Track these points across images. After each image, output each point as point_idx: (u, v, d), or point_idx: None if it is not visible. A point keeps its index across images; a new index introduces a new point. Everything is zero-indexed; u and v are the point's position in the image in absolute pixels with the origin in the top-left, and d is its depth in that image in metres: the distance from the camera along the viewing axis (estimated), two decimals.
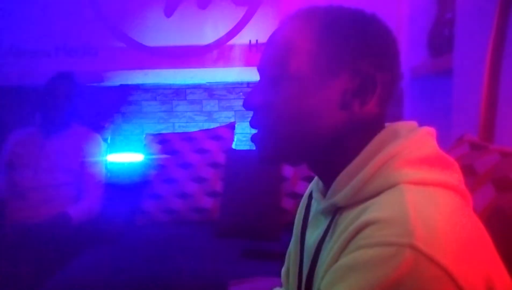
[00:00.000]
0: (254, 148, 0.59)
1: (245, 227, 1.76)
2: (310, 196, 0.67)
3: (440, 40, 1.62)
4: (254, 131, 0.59)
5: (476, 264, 0.42)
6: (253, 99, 0.58)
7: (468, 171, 0.81)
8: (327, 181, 0.57)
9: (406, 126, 0.55)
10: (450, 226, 0.43)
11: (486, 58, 1.13)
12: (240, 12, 2.18)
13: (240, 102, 2.45)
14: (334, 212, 0.54)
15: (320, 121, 0.54)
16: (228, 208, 1.82)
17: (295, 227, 0.72)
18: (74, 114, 1.89)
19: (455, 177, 0.51)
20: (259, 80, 0.59)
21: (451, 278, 0.39)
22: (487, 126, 1.10)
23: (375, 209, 0.46)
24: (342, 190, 0.53)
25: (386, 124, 0.57)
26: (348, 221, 0.49)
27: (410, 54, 1.97)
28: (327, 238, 0.54)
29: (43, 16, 2.23)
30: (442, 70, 1.56)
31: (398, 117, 1.98)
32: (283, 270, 0.76)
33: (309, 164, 0.60)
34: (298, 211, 0.73)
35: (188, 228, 1.86)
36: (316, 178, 0.64)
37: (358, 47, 0.54)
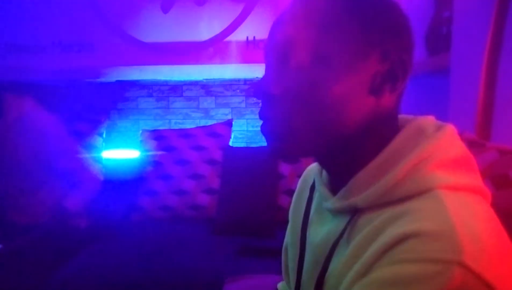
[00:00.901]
0: (266, 141, 0.53)
1: (242, 224, 1.76)
2: (312, 188, 0.62)
3: (437, 39, 1.63)
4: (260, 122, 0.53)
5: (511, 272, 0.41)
6: (269, 85, 0.51)
7: None
8: (341, 177, 0.53)
9: (430, 123, 0.52)
10: (492, 239, 0.41)
11: (483, 56, 1.13)
12: (237, 9, 2.17)
13: (237, 99, 2.45)
14: (352, 212, 0.50)
15: (349, 108, 0.49)
16: (224, 205, 1.82)
17: (292, 220, 0.69)
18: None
19: (479, 178, 0.49)
20: (273, 63, 0.52)
21: None
22: (484, 124, 1.10)
23: (415, 219, 0.42)
24: (364, 191, 0.49)
25: (403, 118, 0.54)
26: (376, 225, 0.46)
27: None
28: (343, 240, 0.50)
29: (40, 12, 2.22)
30: (439, 69, 1.56)
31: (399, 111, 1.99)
32: (283, 266, 0.74)
33: (322, 158, 0.55)
34: (294, 206, 0.69)
35: (184, 225, 1.86)
36: (317, 169, 0.60)
37: (387, 27, 0.49)
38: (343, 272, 0.47)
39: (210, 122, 2.20)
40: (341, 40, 0.48)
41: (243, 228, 1.75)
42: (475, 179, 0.48)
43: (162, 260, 1.50)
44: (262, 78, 0.53)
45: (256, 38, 2.17)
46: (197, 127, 2.13)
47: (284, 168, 1.87)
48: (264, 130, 0.53)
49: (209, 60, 2.22)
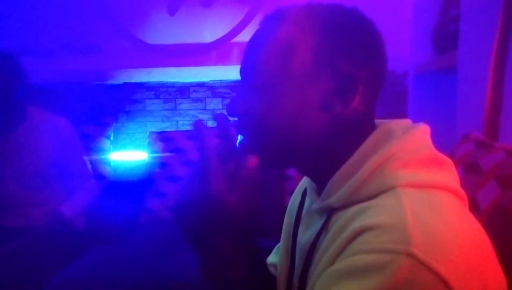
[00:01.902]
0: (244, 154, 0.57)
1: None
2: (304, 193, 0.66)
3: (445, 37, 1.62)
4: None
5: (474, 271, 0.41)
6: (235, 105, 0.57)
7: (474, 169, 0.81)
8: (320, 182, 0.57)
9: (400, 125, 0.54)
10: (449, 232, 0.42)
11: (491, 55, 1.13)
12: (243, 10, 2.18)
13: None
14: (329, 213, 0.53)
15: (303, 125, 0.53)
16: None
17: (285, 223, 0.73)
18: (24, 101, 1.64)
19: (452, 177, 0.51)
20: (241, 85, 0.58)
21: (447, 287, 0.39)
22: (491, 123, 1.09)
23: (372, 214, 0.45)
24: (336, 192, 0.52)
25: (378, 123, 0.56)
26: (342, 222, 0.48)
27: (415, 51, 1.96)
28: (321, 239, 0.53)
29: (47, 15, 2.24)
30: (447, 67, 1.55)
31: (402, 115, 1.98)
32: (269, 258, 0.79)
33: (298, 168, 0.60)
34: (289, 208, 0.73)
35: None
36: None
37: (336, 46, 0.52)
38: (321, 269, 0.49)
39: None
40: (293, 64, 0.52)
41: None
42: (446, 177, 0.49)
43: (169, 261, 1.50)
44: (231, 98, 0.59)
45: None
46: None
47: (291, 169, 1.87)
48: (240, 144, 0.59)
49: (216, 61, 2.22)
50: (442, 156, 0.51)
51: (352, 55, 0.52)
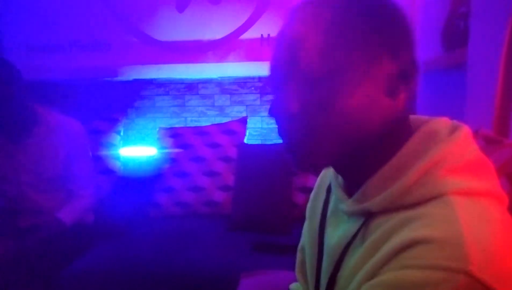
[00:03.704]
0: (292, 157, 0.53)
1: (257, 221, 1.77)
2: (328, 190, 0.62)
3: (454, 34, 1.61)
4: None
5: None
6: (288, 104, 0.50)
7: None
8: (356, 181, 0.53)
9: (444, 126, 0.51)
10: (505, 249, 0.40)
11: (501, 52, 1.12)
12: (251, 7, 2.18)
13: (252, 97, 2.46)
14: (366, 216, 0.50)
15: (369, 115, 0.48)
16: (239, 202, 1.84)
17: (309, 221, 0.68)
18: (35, 104, 1.63)
19: (495, 181, 0.48)
20: (286, 81, 0.51)
21: None
22: (501, 120, 1.09)
23: (424, 225, 0.42)
24: (377, 196, 0.49)
25: (417, 120, 0.54)
26: (385, 230, 0.46)
27: (424, 48, 1.95)
28: (356, 243, 0.51)
29: (57, 12, 2.26)
30: (456, 64, 1.54)
31: (410, 112, 1.97)
32: (297, 265, 0.74)
33: (339, 165, 0.55)
34: (312, 205, 0.69)
35: (200, 222, 1.88)
36: (333, 171, 0.59)
37: (394, 29, 0.49)
38: (354, 273, 0.48)
39: (225, 120, 2.22)
40: (351, 49, 0.47)
41: (258, 225, 1.77)
42: (490, 183, 0.47)
43: (178, 255, 1.52)
44: (277, 98, 0.51)
45: (271, 35, 2.17)
46: (213, 124, 2.15)
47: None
48: (288, 149, 0.52)
49: (224, 58, 2.23)
50: (486, 159, 0.49)
51: (407, 39, 0.50)
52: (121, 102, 2.32)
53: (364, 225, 0.50)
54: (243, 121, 2.11)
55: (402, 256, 0.41)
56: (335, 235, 0.57)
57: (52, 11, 2.26)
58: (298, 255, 0.74)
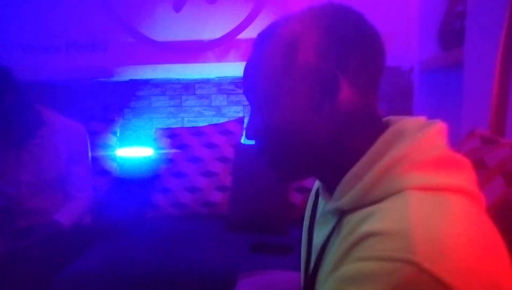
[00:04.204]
0: (273, 173, 0.61)
1: (254, 221, 1.77)
2: (317, 194, 0.66)
3: (451, 33, 1.61)
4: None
5: (483, 278, 0.40)
6: (255, 126, 0.58)
7: (479, 165, 0.81)
8: (332, 183, 0.56)
9: (414, 124, 0.52)
10: (457, 238, 0.41)
11: (497, 51, 1.12)
12: (248, 6, 2.18)
13: None
14: (340, 214, 0.53)
15: (308, 128, 0.54)
16: (237, 202, 1.83)
17: (304, 223, 0.72)
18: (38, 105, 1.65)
19: (467, 178, 0.49)
20: (254, 106, 0.60)
21: None
22: (498, 119, 1.09)
23: (377, 219, 0.44)
24: (347, 194, 0.52)
25: (392, 121, 0.55)
26: (351, 225, 0.48)
27: (421, 48, 1.95)
28: (332, 240, 0.53)
29: (53, 12, 2.25)
30: (453, 64, 1.54)
31: (408, 111, 1.98)
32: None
33: (315, 174, 0.61)
34: (307, 208, 0.73)
35: (197, 222, 1.88)
36: None
37: (307, 47, 0.53)
38: (328, 272, 0.49)
39: (222, 120, 2.22)
40: (281, 76, 0.55)
41: (255, 225, 1.76)
42: (458, 179, 0.47)
43: (175, 256, 1.52)
44: (248, 122, 0.61)
45: None
46: (209, 125, 2.14)
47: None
48: (267, 165, 0.60)
49: (221, 58, 2.23)
50: (457, 156, 0.50)
51: (323, 49, 0.53)
52: (117, 102, 2.31)
53: (338, 223, 0.53)
54: (240, 121, 2.10)
55: (356, 249, 0.43)
56: (320, 234, 0.59)
57: (48, 11, 2.25)
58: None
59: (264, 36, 0.58)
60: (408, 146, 0.49)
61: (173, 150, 2.03)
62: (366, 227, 0.44)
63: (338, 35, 0.53)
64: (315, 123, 0.54)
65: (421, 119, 0.54)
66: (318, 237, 0.60)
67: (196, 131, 2.08)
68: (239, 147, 1.99)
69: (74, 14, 2.25)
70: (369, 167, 0.50)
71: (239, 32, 2.19)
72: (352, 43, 0.53)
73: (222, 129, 2.06)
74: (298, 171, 0.59)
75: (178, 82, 2.31)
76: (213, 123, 2.18)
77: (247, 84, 0.59)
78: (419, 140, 0.49)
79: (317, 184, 0.71)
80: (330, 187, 0.58)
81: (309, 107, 0.54)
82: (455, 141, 1.08)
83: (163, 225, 1.85)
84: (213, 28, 2.20)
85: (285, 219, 1.76)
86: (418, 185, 0.46)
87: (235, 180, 1.89)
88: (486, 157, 0.82)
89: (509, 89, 1.10)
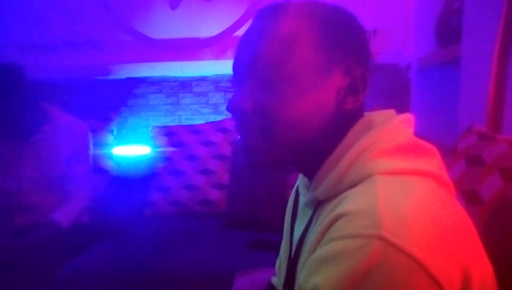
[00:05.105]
0: (242, 153, 0.57)
1: (252, 218, 1.77)
2: (298, 189, 0.67)
3: (448, 30, 1.61)
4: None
5: (451, 253, 0.41)
6: (243, 102, 0.54)
7: (476, 161, 0.81)
8: (311, 175, 0.57)
9: (381, 116, 0.55)
10: (421, 214, 0.42)
11: (494, 48, 1.12)
12: (245, 3, 2.17)
13: None
14: (316, 205, 0.55)
15: (317, 122, 0.53)
16: (234, 200, 1.83)
17: (285, 220, 0.74)
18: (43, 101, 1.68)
19: (433, 163, 0.51)
20: (244, 80, 0.55)
21: (422, 268, 0.39)
22: (495, 116, 1.09)
23: (348, 201, 0.46)
24: (321, 184, 0.53)
25: (365, 114, 0.57)
26: (325, 213, 0.50)
27: (418, 45, 1.95)
28: (311, 230, 0.54)
29: (49, 10, 2.24)
30: (450, 60, 1.54)
31: (405, 108, 1.98)
32: (277, 260, 0.79)
33: (295, 165, 0.60)
34: (288, 205, 0.74)
35: (195, 220, 1.88)
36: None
37: (349, 43, 0.54)
38: (305, 260, 0.50)
39: (219, 118, 2.21)
40: (305, 59, 0.52)
41: (253, 223, 1.76)
42: (426, 164, 0.50)
43: (173, 254, 1.52)
44: (234, 94, 0.56)
45: None
46: (207, 122, 2.14)
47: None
48: (241, 143, 0.57)
49: (218, 55, 2.22)
50: (422, 143, 0.52)
51: (360, 54, 0.54)
52: (114, 100, 2.30)
53: (315, 213, 0.55)
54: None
55: (329, 231, 0.45)
56: (300, 228, 0.60)
57: (44, 9, 2.24)
58: (280, 251, 0.79)
59: (283, 8, 0.55)
60: (375, 135, 0.51)
61: (170, 148, 2.02)
62: (337, 210, 0.45)
63: (362, 36, 0.56)
64: (326, 119, 0.54)
65: (390, 112, 0.57)
66: (298, 231, 0.61)
67: (194, 129, 2.07)
68: (236, 145, 1.98)
69: (71, 12, 2.24)
70: (340, 157, 0.52)
71: (236, 30, 2.19)
72: (367, 47, 0.56)
73: (219, 127, 2.06)
74: (275, 158, 0.55)
75: (175, 80, 2.31)
76: (211, 121, 2.17)
77: (259, 52, 0.53)
78: (385, 128, 0.52)
79: (298, 182, 0.72)
80: (310, 179, 0.59)
81: (331, 102, 0.53)
82: (452, 137, 1.08)
83: (160, 223, 1.85)
84: (210, 25, 2.20)
85: (282, 216, 1.76)
86: (385, 170, 0.48)
87: (233, 178, 1.88)
88: (483, 153, 0.82)
89: (506, 86, 1.10)
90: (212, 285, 1.39)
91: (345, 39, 0.54)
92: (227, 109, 0.56)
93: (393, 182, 0.46)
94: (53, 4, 2.23)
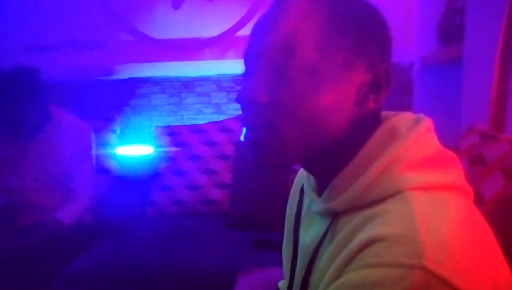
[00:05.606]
0: (251, 150, 0.52)
1: (254, 218, 1.77)
2: (301, 191, 0.63)
3: (450, 29, 1.61)
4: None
5: (485, 277, 0.41)
6: (256, 93, 0.49)
7: (478, 160, 0.81)
8: (323, 181, 0.53)
9: (404, 122, 0.51)
10: (460, 239, 0.41)
11: (497, 46, 1.12)
12: (247, 3, 2.17)
13: None
14: (332, 215, 0.51)
15: (335, 118, 0.49)
16: (237, 199, 1.83)
17: (286, 222, 0.71)
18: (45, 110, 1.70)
19: (458, 174, 0.49)
20: (260, 70, 0.50)
21: None
22: (497, 115, 1.09)
23: (382, 223, 0.43)
24: (340, 195, 0.49)
25: (383, 115, 0.54)
26: (349, 229, 0.46)
27: (420, 43, 1.95)
28: (325, 243, 0.51)
29: (52, 10, 2.24)
30: (452, 59, 1.54)
31: (407, 107, 1.97)
32: (283, 263, 0.75)
33: (306, 164, 0.55)
34: (289, 206, 0.71)
35: (197, 220, 1.88)
36: (306, 172, 0.59)
37: (372, 38, 0.50)
38: (323, 274, 0.48)
39: (222, 117, 2.21)
40: (328, 52, 0.48)
41: (255, 222, 1.76)
42: (451, 176, 0.48)
43: (176, 254, 1.52)
44: (247, 84, 0.50)
45: None
46: (209, 122, 2.14)
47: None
48: (249, 139, 0.51)
49: (220, 55, 2.22)
50: (448, 152, 0.50)
51: (384, 50, 0.51)
52: (117, 100, 2.31)
53: (332, 225, 0.51)
54: (240, 118, 2.10)
55: (361, 255, 0.42)
56: (308, 235, 0.57)
57: (47, 10, 2.25)
58: (283, 255, 0.75)
59: None
60: (402, 146, 0.48)
61: (173, 148, 2.02)
62: (369, 232, 0.42)
63: (387, 33, 0.52)
64: (347, 116, 0.49)
65: (409, 116, 0.53)
66: (307, 238, 0.57)
67: (196, 129, 2.07)
68: (239, 144, 1.98)
69: (73, 12, 2.24)
70: (363, 167, 0.49)
71: (238, 30, 2.19)
72: (391, 45, 0.53)
73: (222, 126, 2.06)
74: (287, 158, 0.51)
75: (177, 80, 2.31)
76: (213, 120, 2.17)
77: (277, 38, 0.48)
78: (412, 138, 0.49)
79: (297, 181, 0.69)
80: (320, 184, 0.55)
81: (352, 99, 0.49)
82: (454, 136, 1.08)
83: (163, 223, 1.86)
84: (212, 25, 2.20)
85: (284, 216, 1.76)
86: (417, 185, 0.45)
87: (235, 177, 1.89)
88: (485, 152, 0.82)
89: (508, 85, 1.10)
90: (215, 284, 1.39)
91: (368, 31, 0.49)
92: (236, 100, 0.50)
93: (427, 201, 0.44)
94: (56, 4, 2.24)
